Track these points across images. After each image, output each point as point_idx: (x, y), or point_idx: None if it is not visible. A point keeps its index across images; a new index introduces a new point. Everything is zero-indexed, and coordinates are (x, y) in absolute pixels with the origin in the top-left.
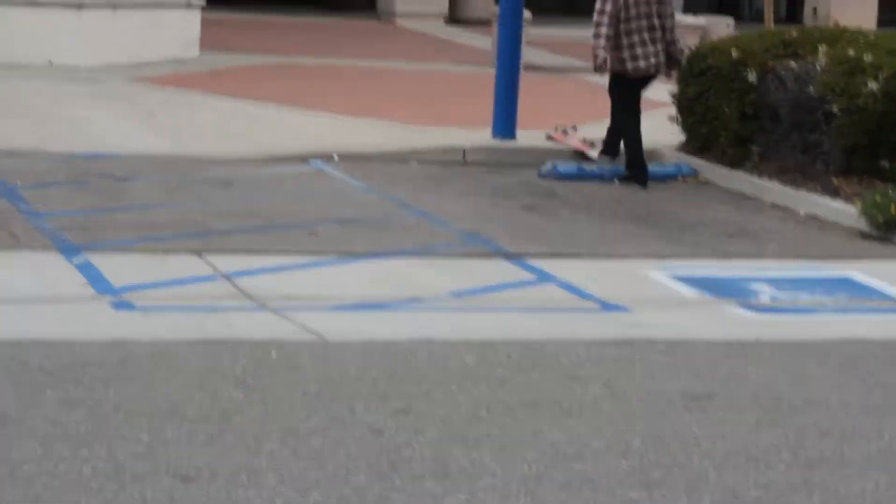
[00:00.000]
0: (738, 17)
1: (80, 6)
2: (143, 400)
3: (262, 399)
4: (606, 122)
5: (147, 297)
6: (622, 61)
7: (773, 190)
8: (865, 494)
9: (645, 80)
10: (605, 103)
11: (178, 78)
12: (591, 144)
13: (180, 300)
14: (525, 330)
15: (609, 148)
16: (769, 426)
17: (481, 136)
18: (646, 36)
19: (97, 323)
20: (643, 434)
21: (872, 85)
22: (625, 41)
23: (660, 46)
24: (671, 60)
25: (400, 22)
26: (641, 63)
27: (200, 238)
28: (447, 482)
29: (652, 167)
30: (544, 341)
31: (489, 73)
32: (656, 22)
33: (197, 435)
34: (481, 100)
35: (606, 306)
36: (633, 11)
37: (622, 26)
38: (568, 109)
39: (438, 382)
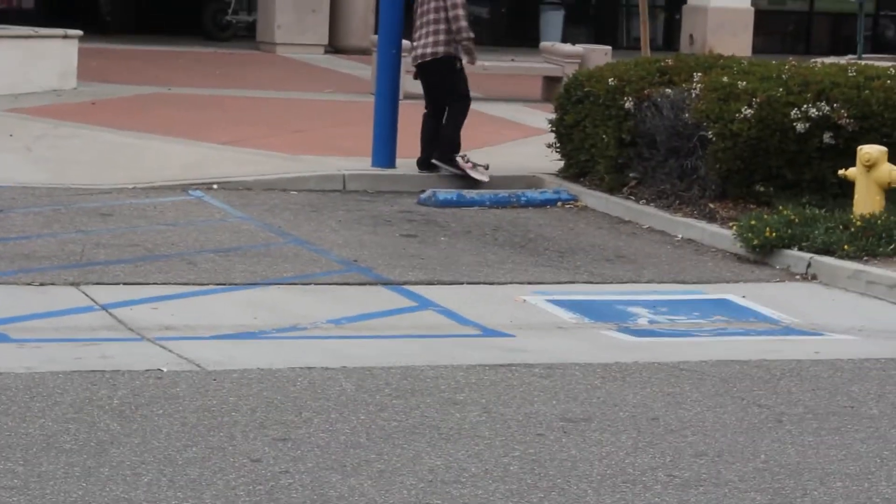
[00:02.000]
0: (616, 45)
1: None
2: (17, 432)
3: (140, 430)
4: (494, 149)
5: (23, 329)
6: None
7: (650, 215)
8: None
9: None
10: (490, 129)
11: (55, 109)
12: (486, 167)
13: (57, 332)
14: (404, 356)
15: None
16: (646, 448)
17: (361, 164)
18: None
19: None
20: (521, 458)
21: (746, 111)
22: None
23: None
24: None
25: (280, 51)
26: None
27: (78, 269)
28: None
29: (531, 193)
30: (424, 367)
31: (369, 102)
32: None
33: (73, 468)
34: (361, 128)
35: (486, 331)
36: None
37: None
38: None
39: (317, 410)
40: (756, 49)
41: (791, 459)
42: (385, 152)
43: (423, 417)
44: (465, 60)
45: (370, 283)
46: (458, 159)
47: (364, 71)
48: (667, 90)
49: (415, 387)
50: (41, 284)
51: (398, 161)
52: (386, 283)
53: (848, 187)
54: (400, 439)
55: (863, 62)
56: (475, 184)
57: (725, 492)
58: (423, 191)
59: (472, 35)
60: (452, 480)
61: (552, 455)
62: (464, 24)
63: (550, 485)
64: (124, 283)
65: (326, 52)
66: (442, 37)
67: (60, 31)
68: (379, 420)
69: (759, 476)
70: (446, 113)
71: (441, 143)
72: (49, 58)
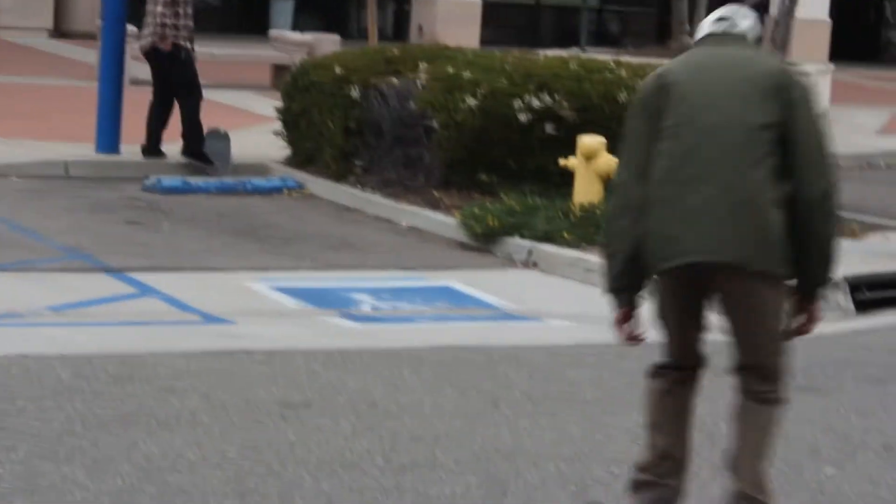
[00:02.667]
0: (346, 35)
1: None
2: None
3: None
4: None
5: None
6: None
7: (376, 203)
8: (456, 497)
9: None
10: (218, 116)
11: None
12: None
13: None
14: (124, 343)
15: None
16: (364, 432)
17: (85, 150)
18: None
19: None
20: (240, 444)
21: (470, 101)
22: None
23: None
24: None
25: (2, 35)
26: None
27: None
28: (35, 498)
29: (257, 181)
30: (143, 354)
31: (95, 88)
32: None
33: None
34: (86, 114)
35: (208, 318)
36: None
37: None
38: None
39: (32, 398)
40: (485, 41)
41: (506, 443)
42: (109, 138)
43: (140, 405)
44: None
45: (92, 270)
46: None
47: (91, 56)
48: (393, 79)
49: (133, 374)
50: None
51: (123, 147)
52: (108, 270)
53: (569, 177)
54: (116, 427)
55: (585, 55)
56: (201, 171)
57: (441, 475)
58: (148, 177)
59: (166, 22)
60: (168, 468)
61: (270, 441)
62: (160, 9)
63: (266, 470)
64: None
65: (52, 36)
66: (163, 26)
67: None
68: (95, 408)
69: (474, 460)
70: (181, 108)
71: (185, 140)
72: None
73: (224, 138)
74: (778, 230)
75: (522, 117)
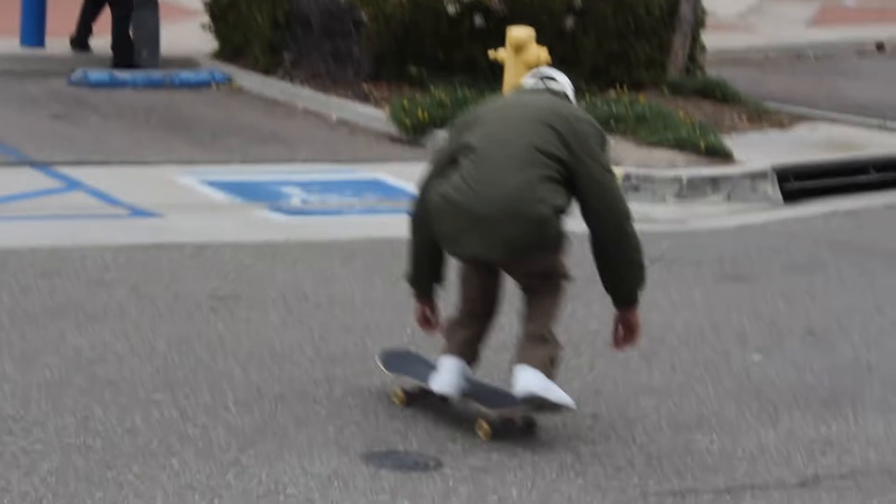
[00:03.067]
0: None
1: None
2: None
3: None
4: None
5: None
6: None
7: (305, 96)
8: (386, 386)
9: None
10: None
11: None
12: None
13: None
14: (51, 237)
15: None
16: (294, 324)
17: (9, 43)
18: None
19: None
20: (168, 336)
21: None
22: None
23: None
24: None
25: None
26: None
27: None
28: None
29: (185, 74)
30: (70, 248)
31: None
32: None
33: None
34: (9, 8)
35: (136, 212)
36: None
37: None
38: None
39: None
40: None
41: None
42: (34, 31)
43: (68, 298)
44: None
45: (17, 164)
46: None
47: None
48: None
49: (61, 268)
50: None
51: (48, 41)
52: (33, 164)
53: (499, 69)
54: (44, 320)
55: None
56: (128, 64)
57: (371, 366)
58: (74, 71)
59: None
60: (98, 359)
61: (199, 333)
62: None
63: (196, 362)
64: None
65: None
66: None
67: None
68: (23, 302)
69: (404, 348)
70: (112, 16)
71: (113, 53)
72: None
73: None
74: (551, 230)
75: (451, 9)
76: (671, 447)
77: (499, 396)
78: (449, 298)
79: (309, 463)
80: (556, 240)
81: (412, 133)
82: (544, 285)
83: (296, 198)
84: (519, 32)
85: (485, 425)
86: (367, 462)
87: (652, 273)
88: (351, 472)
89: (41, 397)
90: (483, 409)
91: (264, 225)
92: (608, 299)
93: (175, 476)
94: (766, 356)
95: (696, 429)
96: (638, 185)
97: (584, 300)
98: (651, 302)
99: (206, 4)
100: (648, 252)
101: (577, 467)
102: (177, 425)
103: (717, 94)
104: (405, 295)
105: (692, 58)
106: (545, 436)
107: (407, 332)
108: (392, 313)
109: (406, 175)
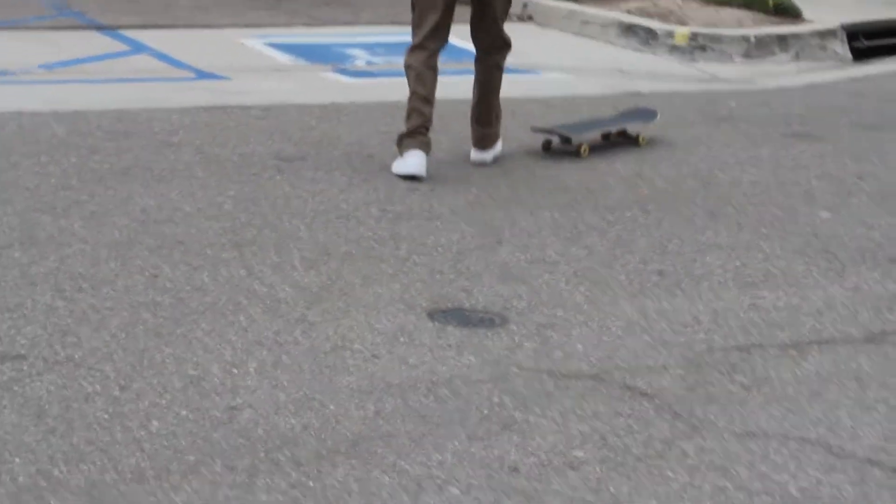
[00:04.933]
0: None
1: None
2: None
3: None
4: None
5: None
6: None
7: None
8: (452, 244)
9: None
10: None
11: None
12: None
13: None
14: (117, 100)
15: None
16: (360, 184)
17: None
18: None
19: None
20: (235, 197)
21: None
22: None
23: None
24: None
25: None
26: None
27: None
28: (34, 250)
29: None
30: (137, 110)
31: None
32: None
33: None
34: None
35: (202, 74)
36: None
37: None
38: None
39: (27, 154)
40: None
41: (503, 192)
42: None
43: (135, 159)
44: None
45: (83, 28)
46: None
47: None
48: None
49: (128, 129)
50: None
51: None
52: (100, 28)
53: None
54: (112, 181)
55: None
56: None
57: (437, 224)
58: None
59: None
60: (165, 219)
61: (266, 193)
62: None
63: (263, 222)
64: None
65: None
66: None
67: None
68: (91, 163)
69: (469, 209)
70: None
71: None
72: None
73: None
74: None
75: None
76: (737, 303)
77: None
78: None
79: (375, 320)
80: None
81: None
82: (500, 52)
83: (360, 60)
84: None
85: None
86: (432, 319)
87: (719, 132)
88: (417, 328)
89: (110, 256)
90: None
91: (329, 86)
92: (675, 160)
93: (243, 332)
94: (834, 214)
95: (763, 285)
96: (705, 44)
97: (652, 161)
98: (718, 160)
99: None
100: (716, 112)
101: (643, 323)
102: (244, 283)
103: None
104: (468, 152)
105: None
106: (610, 293)
107: (472, 191)
108: (457, 171)
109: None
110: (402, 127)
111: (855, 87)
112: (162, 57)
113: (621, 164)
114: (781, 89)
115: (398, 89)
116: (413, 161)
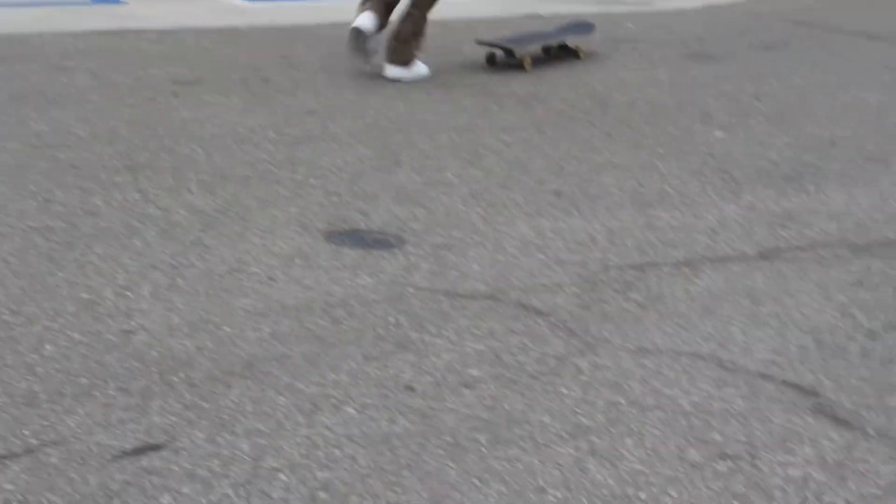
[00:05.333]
0: None
1: None
2: None
3: None
4: None
5: None
6: None
7: None
8: (349, 165)
9: None
10: None
11: None
12: None
13: None
14: (9, 24)
15: None
16: (256, 107)
17: None
18: None
19: None
20: (130, 121)
21: None
22: None
23: None
24: None
25: None
26: None
27: None
28: None
29: None
30: (30, 35)
31: None
32: None
33: None
34: None
35: None
36: None
37: None
38: None
39: None
40: None
41: (401, 115)
42: None
43: (28, 84)
44: None
45: None
46: None
47: None
48: None
49: (21, 53)
50: None
51: None
52: None
53: None
54: (4, 106)
55: None
56: None
57: (334, 146)
58: None
59: None
60: (59, 144)
61: (162, 117)
62: None
63: (159, 146)
64: None
65: None
66: None
67: None
68: None
69: (367, 131)
70: None
71: None
72: None
73: None
74: None
75: None
76: (633, 223)
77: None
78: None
79: (272, 242)
80: None
81: None
82: None
83: None
84: None
85: None
86: (329, 241)
87: (617, 53)
88: (313, 250)
89: (1, 181)
90: None
91: (228, 11)
92: (573, 81)
93: (137, 256)
94: (731, 134)
95: (658, 205)
96: None
97: (550, 82)
98: (616, 81)
99: None
100: (615, 33)
101: (539, 243)
102: (139, 207)
103: None
104: (368, 78)
105: None
106: (506, 213)
107: (370, 114)
108: (356, 94)
109: None
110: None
111: (753, 8)
112: None
113: (518, 85)
114: (679, 11)
115: (297, 14)
116: (361, 18)
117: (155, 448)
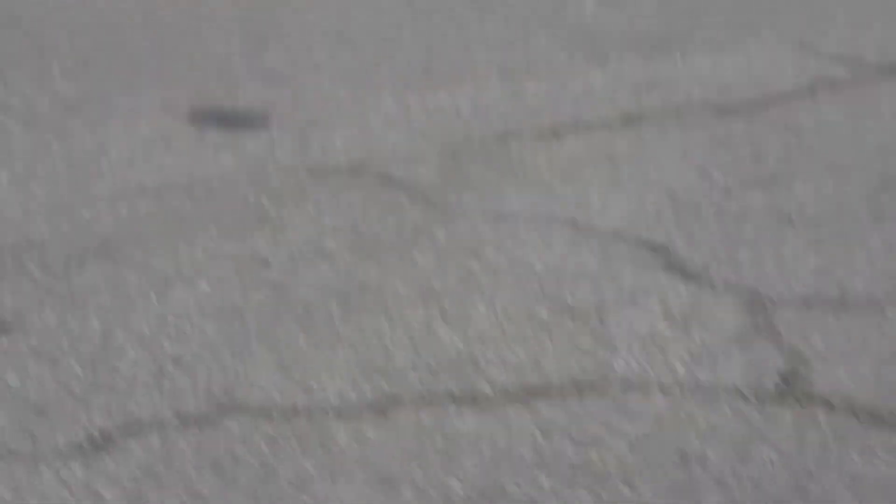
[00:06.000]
0: None
1: None
2: None
3: None
4: None
5: None
6: None
7: None
8: (217, 49)
9: None
10: None
11: None
12: None
13: None
14: None
15: None
16: None
17: None
18: None
19: None
20: None
21: None
22: None
23: None
24: None
25: None
26: None
27: None
28: None
29: None
30: None
31: None
32: None
33: None
34: None
35: None
36: None
37: None
38: None
39: None
40: None
41: None
42: None
43: None
44: None
45: None
46: None
47: None
48: None
49: None
50: None
51: None
52: None
53: None
54: None
55: None
56: None
57: (202, 27)
58: None
59: None
60: None
61: (27, 4)
62: None
63: (23, 33)
64: None
65: None
66: None
67: None
68: None
69: (235, 8)
70: None
71: None
72: None
73: None
74: None
75: None
76: (499, 96)
77: None
78: None
79: (133, 126)
80: None
81: None
82: None
83: None
84: None
85: None
86: (192, 122)
87: None
88: (176, 132)
89: None
90: None
91: None
92: None
93: None
94: (603, 6)
95: (525, 76)
96: None
97: None
98: None
99: None
100: None
101: (403, 117)
102: None
103: None
104: None
105: None
106: (374, 92)
107: None
108: None
109: None
110: None
111: None
112: None
113: None
114: None
115: None
116: None
117: (3, 328)
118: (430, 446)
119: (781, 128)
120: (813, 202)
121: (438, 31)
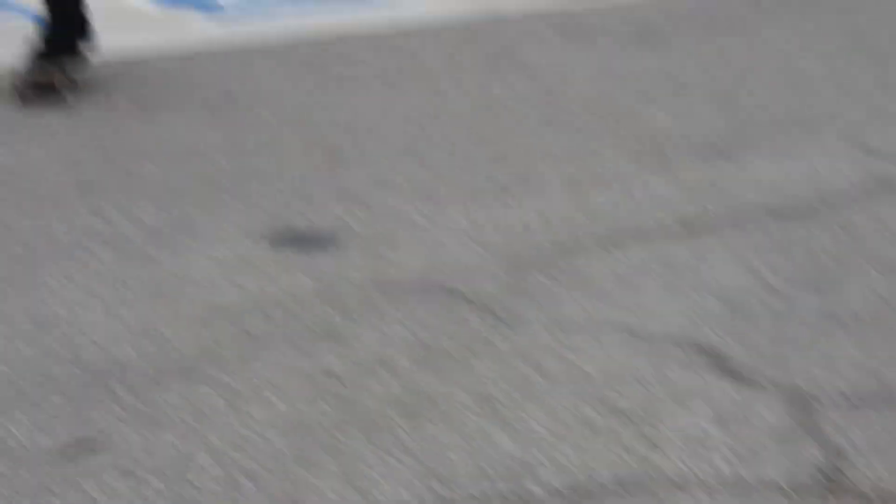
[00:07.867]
0: None
1: None
2: None
3: None
4: None
5: None
6: None
7: None
8: (305, 176)
9: None
10: None
11: None
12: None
13: None
14: None
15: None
16: (218, 126)
17: None
18: None
19: None
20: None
21: None
22: None
23: None
24: None
25: None
26: None
27: None
28: None
29: None
30: None
31: None
32: None
33: None
34: None
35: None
36: None
37: None
38: None
39: None
40: None
41: (346, 118)
42: None
43: None
44: None
45: None
46: None
47: None
48: None
49: None
50: None
51: None
52: None
53: None
54: None
55: None
56: None
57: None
58: None
59: None
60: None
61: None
62: None
63: (113, 164)
64: None
65: None
66: None
67: None
68: None
69: (319, 141)
70: None
71: None
72: None
73: None
74: None
75: None
76: (564, 206)
77: None
78: None
79: (214, 250)
80: None
81: None
82: None
83: (230, 5)
84: None
85: None
86: (269, 243)
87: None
88: (254, 254)
89: None
90: None
91: (194, 31)
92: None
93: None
94: (670, 115)
95: (590, 185)
96: None
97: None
98: (566, 71)
99: None
100: None
101: (472, 233)
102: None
103: None
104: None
105: None
106: (442, 204)
107: (320, 125)
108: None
109: None
110: None
111: None
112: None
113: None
114: None
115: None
116: None
117: (91, 447)
118: None
119: (837, 229)
120: (862, 302)
121: (508, 143)
